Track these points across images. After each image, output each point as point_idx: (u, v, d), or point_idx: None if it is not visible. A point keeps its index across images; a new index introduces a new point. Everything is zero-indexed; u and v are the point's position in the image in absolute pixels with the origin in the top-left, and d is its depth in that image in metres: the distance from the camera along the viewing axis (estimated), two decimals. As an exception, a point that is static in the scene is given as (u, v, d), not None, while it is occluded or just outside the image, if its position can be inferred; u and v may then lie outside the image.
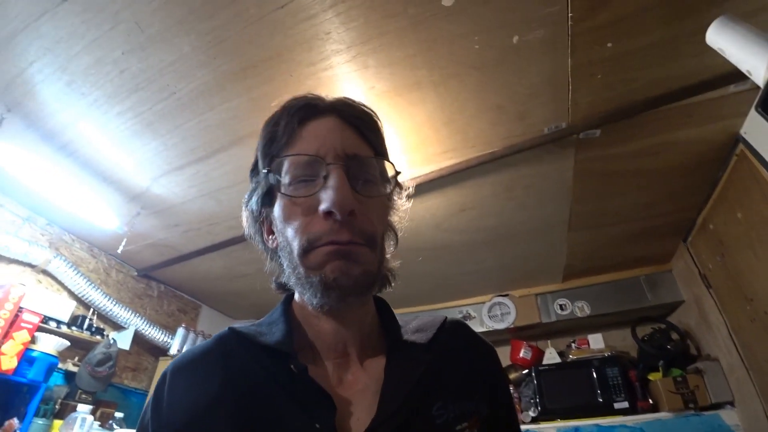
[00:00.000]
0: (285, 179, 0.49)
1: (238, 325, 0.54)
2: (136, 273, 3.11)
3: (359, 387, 0.48)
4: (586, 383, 2.56)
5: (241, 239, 2.56)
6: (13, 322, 2.03)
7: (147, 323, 2.92)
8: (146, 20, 1.42)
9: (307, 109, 0.52)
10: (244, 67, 1.56)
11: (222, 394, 0.45)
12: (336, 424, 0.43)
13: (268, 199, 0.52)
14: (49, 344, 2.17)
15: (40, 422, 2.06)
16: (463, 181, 2.10)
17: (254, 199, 0.54)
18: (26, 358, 2.06)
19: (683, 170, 2.00)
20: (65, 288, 2.57)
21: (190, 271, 3.08)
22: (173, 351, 3.00)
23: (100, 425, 2.36)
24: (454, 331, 0.59)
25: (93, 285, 2.62)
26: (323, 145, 0.48)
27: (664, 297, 2.73)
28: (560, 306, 2.98)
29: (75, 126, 1.87)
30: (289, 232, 0.47)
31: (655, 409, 2.39)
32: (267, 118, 0.56)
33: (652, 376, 2.49)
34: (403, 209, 0.59)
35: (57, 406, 2.24)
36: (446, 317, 0.59)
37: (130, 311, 2.82)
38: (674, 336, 2.62)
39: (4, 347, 1.97)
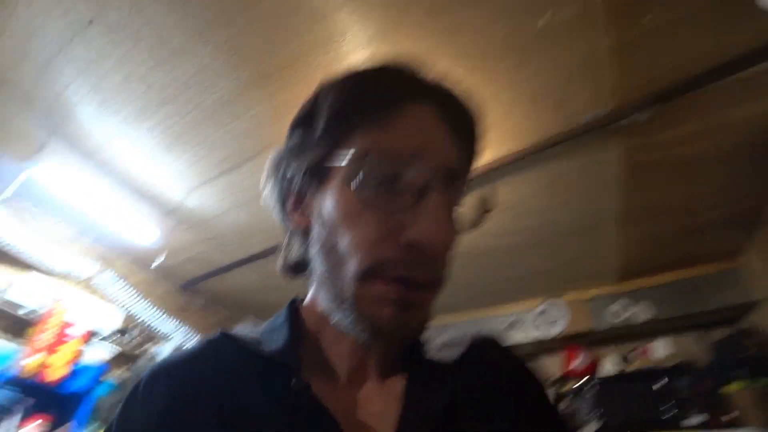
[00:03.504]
0: (359, 170, 0.37)
1: (238, 328, 0.46)
2: (178, 286, 3.20)
3: (376, 410, 0.41)
4: (649, 397, 2.31)
5: (274, 251, 2.56)
6: (62, 335, 2.13)
7: (190, 335, 2.99)
8: (166, 34, 1.45)
9: (412, 87, 0.41)
10: (262, 74, 1.55)
11: (204, 410, 0.38)
12: None
13: (315, 172, 0.41)
14: (96, 356, 2.26)
15: (90, 431, 2.13)
16: (499, 180, 1.97)
17: (295, 164, 0.42)
18: (75, 369, 2.15)
19: (749, 152, 1.76)
20: (111, 301, 2.68)
21: (228, 284, 3.13)
22: (215, 362, 3.05)
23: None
24: (486, 347, 0.49)
25: (137, 298, 2.72)
26: (427, 147, 0.38)
27: (737, 297, 2.43)
28: (616, 311, 2.74)
29: (110, 144, 1.94)
30: (347, 239, 0.37)
31: (735, 424, 2.11)
32: (353, 71, 0.43)
33: (729, 387, 2.21)
34: None
35: (106, 415, 2.31)
36: (477, 332, 0.50)
37: (174, 323, 2.91)
38: (752, 340, 2.32)
39: (54, 359, 2.06)
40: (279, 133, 1.81)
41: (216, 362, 0.42)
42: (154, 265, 2.61)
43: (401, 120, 0.39)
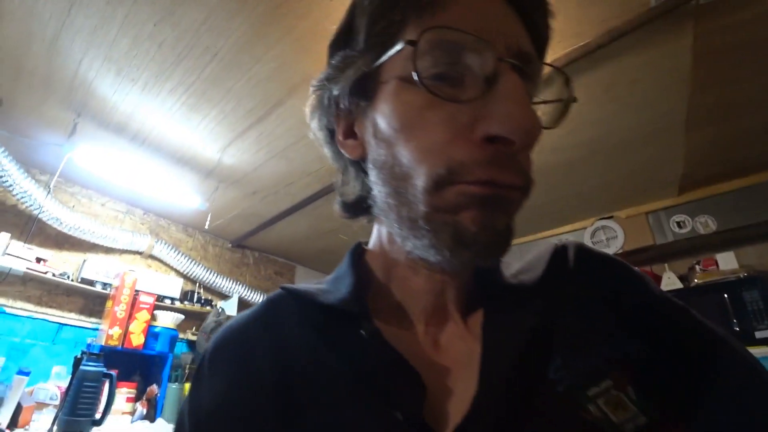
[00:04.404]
0: (416, 64, 0.30)
1: (301, 284, 0.42)
2: (230, 245, 3.30)
3: (458, 354, 0.34)
4: (717, 310, 2.17)
5: (319, 195, 2.52)
6: (134, 304, 2.25)
7: (248, 289, 3.12)
8: (165, -20, 1.31)
9: None
10: (277, 4, 1.39)
11: (266, 376, 0.34)
12: (426, 411, 0.29)
13: (363, 86, 0.35)
14: (167, 319, 2.40)
15: (174, 387, 2.33)
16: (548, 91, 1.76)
17: (340, 83, 0.36)
18: (151, 333, 2.32)
19: None
20: (171, 268, 2.81)
21: (278, 235, 3.17)
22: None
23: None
24: (570, 258, 0.39)
25: (194, 262, 2.83)
26: (491, 27, 0.31)
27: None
28: (678, 223, 2.53)
29: (137, 114, 1.90)
30: (410, 149, 0.31)
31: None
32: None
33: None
34: None
35: (185, 372, 2.50)
36: (556, 244, 0.41)
37: (232, 280, 3.03)
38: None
39: (131, 327, 2.21)
40: (305, 70, 1.65)
41: (277, 322, 0.38)
42: (206, 225, 2.66)
43: (455, 2, 0.31)
